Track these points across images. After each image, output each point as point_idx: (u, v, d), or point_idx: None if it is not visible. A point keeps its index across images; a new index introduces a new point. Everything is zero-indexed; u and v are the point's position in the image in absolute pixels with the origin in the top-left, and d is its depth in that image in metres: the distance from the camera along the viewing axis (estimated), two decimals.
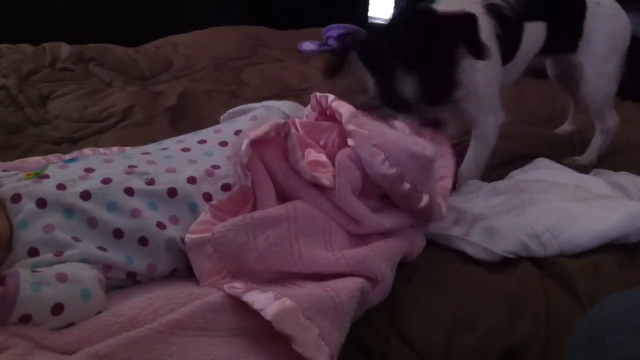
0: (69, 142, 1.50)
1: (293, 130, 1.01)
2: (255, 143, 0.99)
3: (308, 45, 2.74)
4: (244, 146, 0.97)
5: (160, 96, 1.82)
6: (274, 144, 1.02)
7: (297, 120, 1.14)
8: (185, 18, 3.25)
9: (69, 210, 0.93)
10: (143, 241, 0.94)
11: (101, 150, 1.32)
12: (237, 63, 2.36)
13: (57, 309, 0.82)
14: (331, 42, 2.78)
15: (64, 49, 2.08)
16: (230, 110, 1.36)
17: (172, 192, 0.99)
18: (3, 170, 1.11)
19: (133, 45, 2.32)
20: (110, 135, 1.54)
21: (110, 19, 2.90)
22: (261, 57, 2.49)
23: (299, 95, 1.93)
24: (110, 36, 2.28)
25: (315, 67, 2.42)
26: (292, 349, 0.80)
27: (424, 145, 1.05)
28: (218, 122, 1.33)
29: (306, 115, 1.21)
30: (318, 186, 1.02)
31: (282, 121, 1.01)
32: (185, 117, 1.70)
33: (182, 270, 0.98)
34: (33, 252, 0.89)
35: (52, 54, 2.03)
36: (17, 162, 1.23)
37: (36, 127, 1.56)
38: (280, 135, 1.01)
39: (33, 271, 0.84)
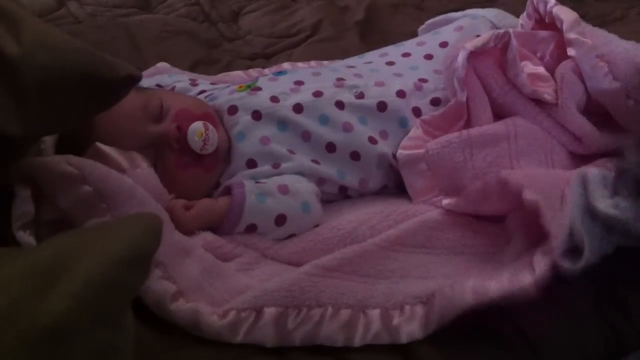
0: (263, 58, 1.50)
1: (514, 41, 0.93)
2: (470, 55, 0.93)
3: None
4: (460, 58, 0.92)
5: (347, 10, 1.76)
6: (490, 56, 0.95)
7: (511, 30, 1.05)
8: None
9: (282, 123, 0.93)
10: (355, 156, 0.93)
11: (299, 64, 1.31)
12: None
13: (280, 219, 0.83)
14: None
15: None
16: (429, 21, 1.28)
17: (381, 106, 0.96)
18: (211, 83, 1.14)
19: None
20: (301, 50, 1.52)
21: None
22: None
23: (489, 7, 1.80)
24: None
25: None
26: None
27: None
28: (407, 36, 1.26)
29: (521, 25, 1.11)
30: (538, 102, 0.94)
31: (502, 30, 0.94)
32: (374, 32, 1.65)
33: (391, 187, 0.96)
34: (251, 163, 0.91)
35: None
36: (221, 76, 1.26)
37: (230, 42, 1.58)
38: (497, 47, 0.94)
39: (256, 182, 0.86)
